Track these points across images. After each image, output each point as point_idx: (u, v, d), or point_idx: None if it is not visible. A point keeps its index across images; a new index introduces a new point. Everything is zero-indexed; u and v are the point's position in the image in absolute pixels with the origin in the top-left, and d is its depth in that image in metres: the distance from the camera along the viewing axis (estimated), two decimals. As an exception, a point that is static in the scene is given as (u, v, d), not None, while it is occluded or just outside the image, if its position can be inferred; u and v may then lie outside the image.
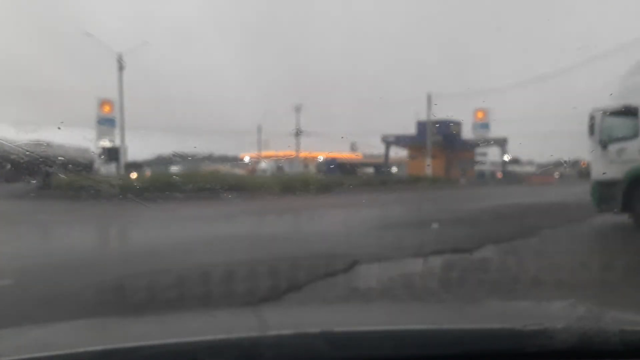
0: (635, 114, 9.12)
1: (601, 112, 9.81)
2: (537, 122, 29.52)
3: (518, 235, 7.96)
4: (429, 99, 27.32)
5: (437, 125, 29.50)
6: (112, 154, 20.62)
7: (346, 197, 14.43)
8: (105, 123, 21.95)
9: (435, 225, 8.26)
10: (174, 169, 21.71)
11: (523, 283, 4.64)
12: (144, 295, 4.11)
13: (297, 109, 35.34)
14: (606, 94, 10.06)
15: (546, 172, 30.18)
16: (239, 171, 27.19)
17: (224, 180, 15.46)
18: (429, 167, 29.68)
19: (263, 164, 34.13)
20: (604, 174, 9.44)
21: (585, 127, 9.82)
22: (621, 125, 9.57)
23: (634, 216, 9.00)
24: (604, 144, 9.72)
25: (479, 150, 35.41)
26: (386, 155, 34.96)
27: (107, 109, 22.20)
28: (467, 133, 32.36)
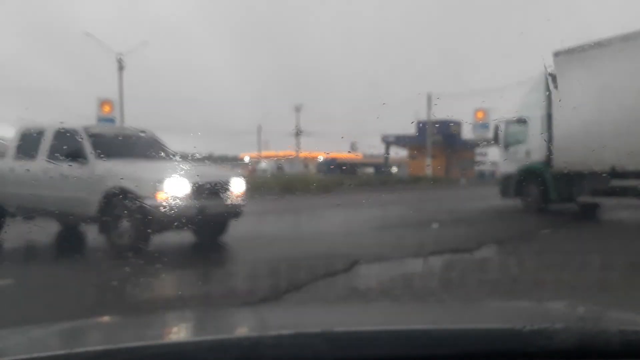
0: (526, 124, 12.14)
1: (504, 122, 13.04)
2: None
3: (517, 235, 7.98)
4: (429, 99, 27.31)
5: (437, 125, 29.51)
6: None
7: (346, 197, 14.42)
8: (106, 123, 21.95)
9: (435, 225, 8.26)
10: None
11: (523, 283, 4.64)
12: (144, 295, 4.11)
13: (297, 109, 35.37)
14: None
15: None
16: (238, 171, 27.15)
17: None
18: (429, 167, 29.71)
19: (263, 164, 34.16)
20: (505, 169, 12.88)
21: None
22: (516, 132, 12.51)
23: (523, 201, 12.20)
24: (505, 147, 12.86)
25: (479, 150, 35.42)
26: (386, 155, 34.97)
27: (107, 109, 22.20)
28: (467, 133, 32.35)
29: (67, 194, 6.90)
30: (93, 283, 4.67)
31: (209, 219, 6.63)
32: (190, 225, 6.55)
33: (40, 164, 7.27)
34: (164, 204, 6.24)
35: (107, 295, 4.19)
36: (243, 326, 1.71)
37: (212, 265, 5.94)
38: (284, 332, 1.35)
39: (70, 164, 6.87)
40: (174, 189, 6.42)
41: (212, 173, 7.43)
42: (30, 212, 7.33)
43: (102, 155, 6.91)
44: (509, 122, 12.84)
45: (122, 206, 6.48)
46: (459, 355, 1.29)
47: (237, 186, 7.07)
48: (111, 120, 22.37)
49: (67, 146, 7.19)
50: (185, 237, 7.11)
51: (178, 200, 6.32)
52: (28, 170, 7.25)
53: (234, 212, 7.05)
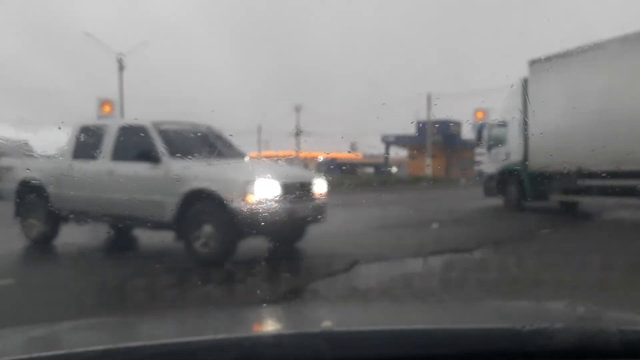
0: (506, 127, 12.93)
1: (486, 125, 14.34)
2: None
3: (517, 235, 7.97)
4: (429, 99, 27.29)
5: (437, 125, 29.50)
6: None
7: (346, 197, 14.41)
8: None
9: (435, 225, 8.26)
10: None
11: (523, 283, 4.64)
12: (144, 295, 4.11)
13: (297, 109, 35.34)
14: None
15: None
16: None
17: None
18: (429, 167, 29.70)
19: (263, 164, 34.00)
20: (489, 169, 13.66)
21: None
22: (498, 134, 13.37)
23: (504, 199, 13.00)
24: (488, 148, 13.83)
25: (479, 150, 35.38)
26: (386, 155, 34.96)
27: (107, 109, 22.18)
28: (467, 133, 32.31)
29: (138, 197, 6.24)
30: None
31: (296, 223, 6.21)
32: (276, 230, 5.95)
33: (103, 164, 6.68)
34: (255, 207, 5.70)
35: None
36: (243, 326, 1.71)
37: (212, 266, 5.94)
38: (284, 332, 1.36)
39: (140, 163, 6.35)
40: (264, 190, 5.87)
41: (296, 173, 6.93)
42: (91, 216, 6.84)
43: (176, 154, 6.31)
44: (491, 125, 14.01)
45: (205, 210, 5.96)
46: (459, 355, 1.29)
47: (321, 186, 6.64)
48: (111, 121, 22.36)
49: (135, 144, 6.61)
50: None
51: (269, 203, 5.79)
52: (89, 171, 6.72)
53: (319, 214, 6.51)
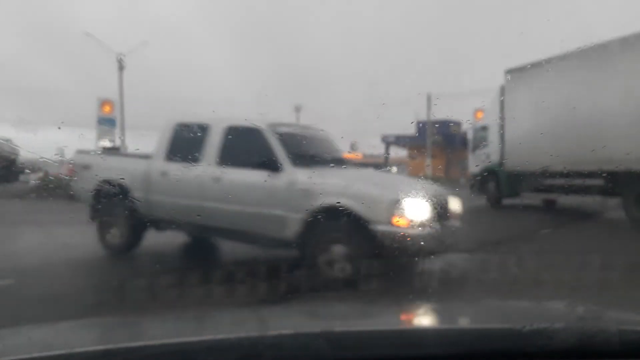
0: (487, 130, 14.16)
1: (471, 127, 16.06)
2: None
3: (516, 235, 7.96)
4: (429, 99, 27.30)
5: (437, 125, 29.49)
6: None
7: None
8: (106, 123, 21.92)
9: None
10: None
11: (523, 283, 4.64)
12: (144, 295, 4.11)
13: (297, 109, 35.31)
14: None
15: None
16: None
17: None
18: (428, 167, 29.69)
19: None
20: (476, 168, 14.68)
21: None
22: (480, 137, 14.61)
23: (485, 196, 14.14)
24: (473, 150, 15.27)
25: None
26: (386, 155, 34.95)
27: (107, 109, 22.17)
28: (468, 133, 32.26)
29: (252, 210, 5.52)
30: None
31: (438, 249, 5.28)
32: (421, 256, 5.08)
33: (207, 169, 5.83)
34: (403, 231, 4.88)
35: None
36: (243, 326, 1.71)
37: (212, 266, 5.94)
38: (284, 332, 1.36)
39: (255, 171, 5.56)
40: (415, 211, 5.00)
41: (432, 188, 5.80)
42: (187, 226, 6.13)
43: (297, 162, 5.54)
44: (476, 128, 15.38)
45: (338, 230, 5.09)
46: (459, 355, 1.29)
47: (456, 205, 5.79)
48: (112, 121, 22.36)
49: (248, 148, 5.84)
50: (181, 237, 7.07)
51: (419, 227, 4.94)
52: (188, 175, 5.92)
53: (455, 239, 5.62)
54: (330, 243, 5.06)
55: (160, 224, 6.34)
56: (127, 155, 7.18)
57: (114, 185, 6.38)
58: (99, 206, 6.53)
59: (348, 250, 4.99)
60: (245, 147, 5.87)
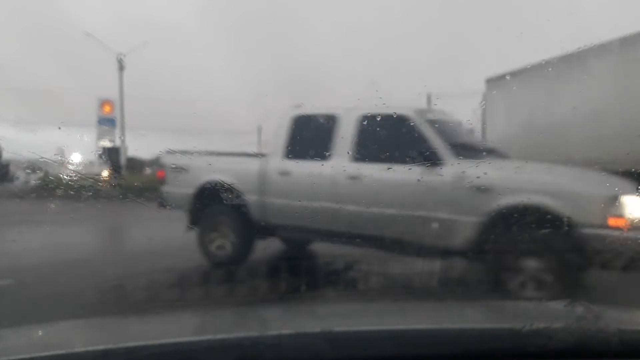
0: (473, 133, 14.89)
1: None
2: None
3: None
4: (429, 99, 27.28)
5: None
6: (112, 154, 20.63)
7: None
8: (106, 123, 21.93)
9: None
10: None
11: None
12: (144, 295, 4.12)
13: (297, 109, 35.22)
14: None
15: None
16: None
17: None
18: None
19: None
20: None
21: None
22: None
23: None
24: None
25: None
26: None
27: (107, 109, 22.18)
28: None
29: (405, 213, 4.70)
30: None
31: None
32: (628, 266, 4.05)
33: (340, 166, 5.02)
34: (623, 234, 3.98)
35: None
36: (243, 326, 1.71)
37: (212, 265, 5.94)
38: (284, 332, 1.36)
39: (405, 166, 4.70)
40: (632, 210, 4.07)
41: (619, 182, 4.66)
42: (316, 233, 5.38)
43: (459, 153, 4.73)
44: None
45: (535, 236, 4.09)
46: (459, 355, 1.29)
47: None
48: (112, 121, 22.38)
49: (392, 140, 5.02)
50: (184, 236, 7.09)
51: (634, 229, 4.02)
52: (315, 174, 5.14)
53: None
54: (520, 253, 4.15)
55: (278, 231, 5.64)
56: (231, 154, 6.49)
57: (219, 188, 5.65)
58: (201, 212, 5.82)
59: (546, 261, 4.10)
60: (388, 138, 5.02)
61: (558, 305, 1.76)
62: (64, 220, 7.52)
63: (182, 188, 5.98)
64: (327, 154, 5.20)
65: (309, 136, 5.58)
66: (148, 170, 21.56)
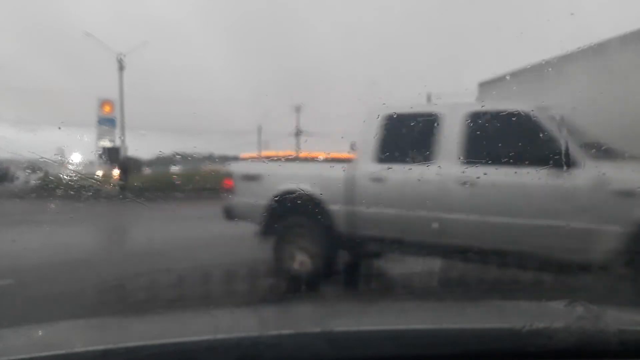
0: None
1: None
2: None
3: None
4: (429, 99, 27.30)
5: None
6: (112, 154, 20.64)
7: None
8: (106, 123, 21.93)
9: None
10: (174, 168, 21.74)
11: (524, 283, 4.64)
12: (144, 295, 4.12)
13: (297, 109, 35.31)
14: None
15: None
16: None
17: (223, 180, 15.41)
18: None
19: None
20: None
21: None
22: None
23: None
24: None
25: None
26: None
27: (107, 109, 22.18)
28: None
29: (532, 222, 4.25)
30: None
31: None
32: None
33: (448, 170, 4.54)
34: None
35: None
36: (243, 326, 1.72)
37: (213, 265, 5.94)
38: (284, 331, 1.36)
39: (530, 169, 4.18)
40: None
41: None
42: (421, 248, 4.79)
43: (595, 155, 4.24)
44: None
45: None
46: (459, 355, 1.29)
47: None
48: (112, 121, 22.39)
49: (511, 139, 4.45)
50: (185, 236, 7.08)
51: None
52: (414, 180, 4.63)
53: None
54: None
55: (369, 244, 5.05)
56: (308, 160, 6.15)
57: (298, 198, 5.13)
58: (277, 224, 5.31)
59: None
60: (507, 138, 4.48)
61: (558, 305, 1.76)
62: (64, 220, 7.53)
63: (253, 198, 5.47)
64: (430, 157, 4.68)
65: (406, 137, 4.97)
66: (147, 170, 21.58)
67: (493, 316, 1.79)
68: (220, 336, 1.36)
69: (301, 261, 5.21)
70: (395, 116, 5.11)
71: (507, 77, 12.77)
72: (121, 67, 23.84)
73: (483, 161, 4.38)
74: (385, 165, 4.87)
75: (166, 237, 6.66)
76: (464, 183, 4.52)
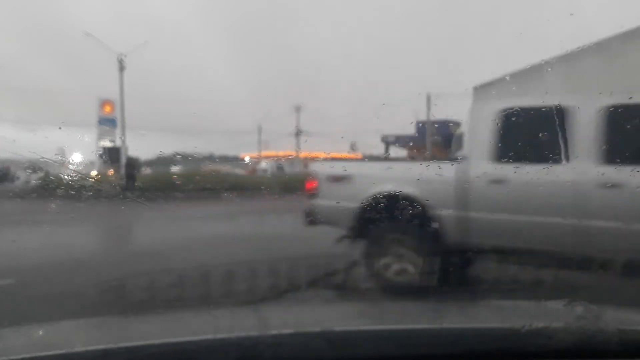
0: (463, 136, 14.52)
1: (457, 133, 16.22)
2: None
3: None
4: (429, 99, 27.32)
5: (436, 125, 29.50)
6: (113, 154, 20.64)
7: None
8: (106, 123, 21.95)
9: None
10: (175, 168, 21.76)
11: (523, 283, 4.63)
12: (144, 295, 4.12)
13: (297, 109, 35.34)
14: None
15: None
16: (239, 171, 27.21)
17: (224, 180, 15.45)
18: (428, 167, 29.65)
19: (263, 164, 34.15)
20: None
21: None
22: (459, 141, 15.14)
23: None
24: (454, 152, 16.69)
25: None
26: (386, 155, 34.94)
27: (108, 109, 22.18)
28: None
29: None
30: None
31: None
32: None
33: (581, 171, 4.06)
34: None
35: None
36: (243, 326, 1.72)
37: (213, 265, 5.94)
38: (284, 331, 1.36)
39: None
40: None
41: None
42: (549, 258, 4.24)
43: None
44: (457, 133, 17.55)
45: None
46: (459, 354, 1.29)
47: None
48: (112, 121, 22.39)
49: None
50: (185, 236, 7.08)
51: None
52: (539, 181, 4.10)
53: None
54: None
55: (486, 253, 4.61)
56: (405, 160, 5.74)
57: (398, 201, 4.71)
58: (370, 230, 4.94)
59: None
60: None
61: (558, 305, 1.77)
62: (65, 220, 7.53)
63: (342, 201, 5.03)
64: (563, 155, 4.08)
65: (528, 134, 4.46)
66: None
67: (493, 316, 1.79)
68: (220, 336, 1.36)
69: (397, 270, 4.82)
70: (512, 110, 4.55)
71: (507, 78, 12.84)
72: (121, 67, 23.84)
73: (627, 161, 3.94)
74: (507, 166, 4.35)
75: (166, 237, 6.66)
76: (604, 186, 4.03)
